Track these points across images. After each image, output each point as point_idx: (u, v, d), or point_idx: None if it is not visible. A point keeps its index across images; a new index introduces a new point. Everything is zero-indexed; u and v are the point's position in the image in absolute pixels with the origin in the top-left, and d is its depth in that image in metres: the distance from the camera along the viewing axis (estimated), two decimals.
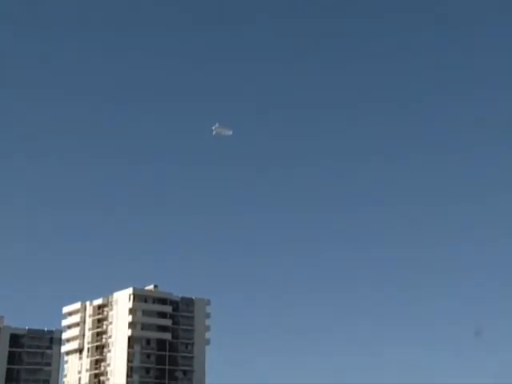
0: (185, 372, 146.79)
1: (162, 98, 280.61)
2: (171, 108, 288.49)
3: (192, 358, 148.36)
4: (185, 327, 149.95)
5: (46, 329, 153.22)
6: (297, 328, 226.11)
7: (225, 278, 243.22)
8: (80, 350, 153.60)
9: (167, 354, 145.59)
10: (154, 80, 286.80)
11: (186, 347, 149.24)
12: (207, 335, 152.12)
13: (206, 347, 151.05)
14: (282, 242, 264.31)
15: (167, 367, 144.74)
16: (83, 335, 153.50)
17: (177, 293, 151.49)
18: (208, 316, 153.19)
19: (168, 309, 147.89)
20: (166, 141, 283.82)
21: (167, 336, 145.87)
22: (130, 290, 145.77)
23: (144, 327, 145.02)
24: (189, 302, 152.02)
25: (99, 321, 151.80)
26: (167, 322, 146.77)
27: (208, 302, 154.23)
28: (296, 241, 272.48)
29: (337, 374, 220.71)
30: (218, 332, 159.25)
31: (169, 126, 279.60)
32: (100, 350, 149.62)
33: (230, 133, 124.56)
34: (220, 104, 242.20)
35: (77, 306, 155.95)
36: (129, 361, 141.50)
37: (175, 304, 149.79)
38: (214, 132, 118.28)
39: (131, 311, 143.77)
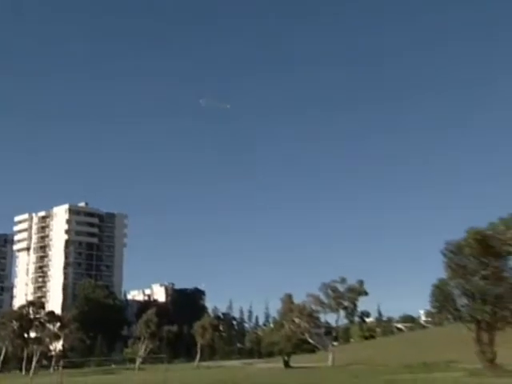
0: (107, 266, 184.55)
1: None
2: None
3: (113, 256, 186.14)
4: (108, 234, 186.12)
5: (1, 232, 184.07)
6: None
7: (139, 198, 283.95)
8: (28, 249, 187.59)
9: (94, 253, 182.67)
10: None
11: (109, 248, 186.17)
12: (125, 240, 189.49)
13: (124, 249, 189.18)
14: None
15: (94, 262, 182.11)
16: (30, 238, 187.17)
17: (102, 208, 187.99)
18: (126, 226, 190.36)
19: (95, 220, 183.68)
20: None
21: (94, 240, 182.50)
22: (66, 206, 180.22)
23: (77, 233, 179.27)
24: (111, 216, 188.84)
25: (43, 228, 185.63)
26: (94, 230, 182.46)
27: (126, 216, 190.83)
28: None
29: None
30: (133, 238, 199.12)
31: None
32: (43, 249, 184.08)
33: (228, 106, 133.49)
34: None
35: (25, 216, 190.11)
36: (65, 257, 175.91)
37: (101, 217, 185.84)
38: (203, 104, 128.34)
39: (67, 221, 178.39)
